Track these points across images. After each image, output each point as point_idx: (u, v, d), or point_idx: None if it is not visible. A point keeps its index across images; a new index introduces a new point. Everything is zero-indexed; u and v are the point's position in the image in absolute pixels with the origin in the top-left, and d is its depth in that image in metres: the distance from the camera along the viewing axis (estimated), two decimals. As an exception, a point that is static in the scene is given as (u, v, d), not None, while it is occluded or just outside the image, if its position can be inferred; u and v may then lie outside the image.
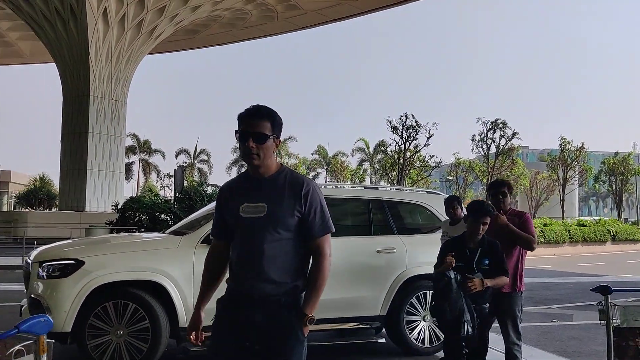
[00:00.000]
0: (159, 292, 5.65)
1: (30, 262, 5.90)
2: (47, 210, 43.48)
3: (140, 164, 62.31)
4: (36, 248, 6.40)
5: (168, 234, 6.72)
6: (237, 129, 2.82)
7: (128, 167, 55.47)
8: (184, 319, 5.63)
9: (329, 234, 2.88)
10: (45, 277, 5.57)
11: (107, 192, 28.60)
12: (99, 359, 5.43)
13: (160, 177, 63.02)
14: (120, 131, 29.26)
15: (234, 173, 60.93)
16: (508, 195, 5.20)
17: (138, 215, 18.98)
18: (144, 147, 61.65)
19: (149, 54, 30.72)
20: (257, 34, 36.35)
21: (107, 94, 28.00)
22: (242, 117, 2.81)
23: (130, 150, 56.64)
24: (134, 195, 31.91)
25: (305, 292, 2.80)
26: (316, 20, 35.77)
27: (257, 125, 2.75)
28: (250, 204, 2.77)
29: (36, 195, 55.47)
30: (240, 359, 2.78)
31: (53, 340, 2.54)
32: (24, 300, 6.06)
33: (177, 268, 5.71)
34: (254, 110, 2.81)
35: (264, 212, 2.73)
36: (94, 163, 28.21)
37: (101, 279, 5.52)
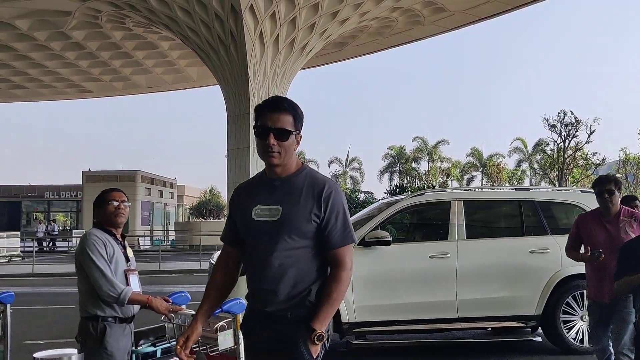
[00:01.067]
0: (323, 290, 6.26)
1: (212, 262, 6.84)
2: (217, 220, 47.28)
3: (296, 175, 65.29)
4: (217, 251, 7.36)
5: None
6: (255, 123, 2.52)
7: (286, 178, 58.36)
8: (345, 314, 6.17)
9: (351, 245, 2.52)
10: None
11: (268, 202, 30.56)
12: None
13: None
14: (278, 144, 31.16)
15: (385, 180, 61.67)
16: (616, 193, 4.82)
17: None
18: (299, 157, 64.60)
19: (300, 69, 32.39)
20: (404, 40, 36.67)
21: (265, 111, 30.01)
22: (261, 110, 2.50)
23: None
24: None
25: (317, 306, 2.40)
26: (464, 21, 35.27)
27: (279, 120, 2.43)
28: (264, 206, 2.45)
29: (206, 207, 60.52)
30: None
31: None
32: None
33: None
34: (274, 103, 2.48)
35: (278, 216, 2.40)
36: (256, 175, 30.35)
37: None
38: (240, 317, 3.02)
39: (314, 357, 2.37)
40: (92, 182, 31.36)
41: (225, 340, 2.96)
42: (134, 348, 3.60)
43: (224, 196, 44.93)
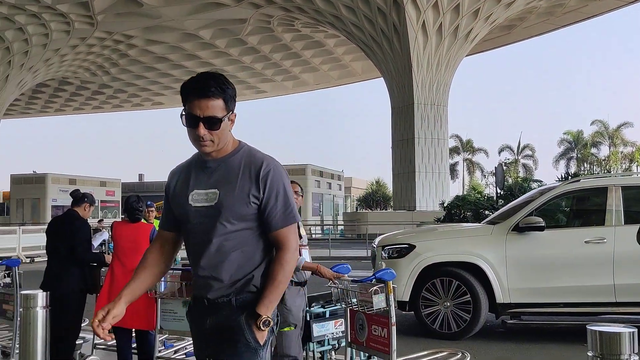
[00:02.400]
0: (477, 272, 6.63)
1: (375, 246, 7.49)
2: (383, 210, 48.29)
3: (464, 164, 64.16)
4: (379, 236, 8.02)
5: (484, 223, 7.65)
6: (183, 109, 2.28)
7: (452, 167, 57.79)
8: (500, 296, 6.49)
9: (294, 225, 2.35)
10: (387, 258, 7.04)
11: (434, 192, 30.69)
12: (431, 324, 6.68)
13: (484, 175, 63.89)
14: (443, 134, 31.13)
15: (561, 167, 58.32)
16: None
17: (463, 212, 20.21)
18: (467, 146, 63.32)
19: (465, 56, 31.98)
20: (577, 18, 34.52)
21: (429, 101, 30.13)
22: (187, 95, 2.26)
23: (454, 151, 58.85)
24: (460, 193, 33.51)
25: (262, 291, 2.28)
26: (647, -8, 32.34)
27: (207, 107, 2.22)
28: (200, 190, 2.31)
29: (373, 198, 61.91)
30: None
31: (393, 286, 3.73)
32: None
33: (491, 252, 6.62)
34: (201, 88, 2.23)
35: (215, 200, 2.27)
36: (421, 166, 30.56)
37: (429, 260, 6.77)
38: (390, 283, 3.60)
39: (261, 343, 2.26)
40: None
41: (378, 302, 3.57)
42: (307, 308, 4.36)
43: (389, 187, 45.81)
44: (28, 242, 20.02)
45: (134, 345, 5.11)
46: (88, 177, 42.68)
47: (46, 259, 5.40)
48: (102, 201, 39.83)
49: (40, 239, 6.14)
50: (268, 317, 2.24)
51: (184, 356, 5.15)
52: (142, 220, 5.32)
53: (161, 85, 43.47)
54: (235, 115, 2.33)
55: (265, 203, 2.27)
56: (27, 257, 18.48)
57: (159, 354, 5.04)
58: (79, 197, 5.32)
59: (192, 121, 2.23)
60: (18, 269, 5.48)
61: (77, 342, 5.54)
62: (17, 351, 4.94)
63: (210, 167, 2.32)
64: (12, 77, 33.23)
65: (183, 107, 2.27)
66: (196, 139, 2.25)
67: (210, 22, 32.02)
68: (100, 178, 43.98)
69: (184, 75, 40.14)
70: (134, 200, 5.19)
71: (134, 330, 5.04)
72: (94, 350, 5.60)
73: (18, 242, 20.22)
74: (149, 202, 7.71)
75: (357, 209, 60.01)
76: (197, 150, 2.34)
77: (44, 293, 4.70)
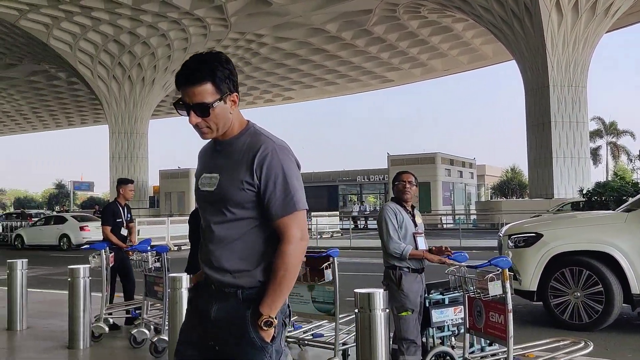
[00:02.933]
0: (609, 261, 6.33)
1: (501, 235, 7.39)
2: (519, 199, 46.41)
3: (608, 148, 59.81)
4: (505, 224, 7.88)
5: (619, 211, 7.25)
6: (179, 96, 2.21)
7: (594, 152, 54.15)
8: (636, 286, 6.16)
9: (299, 213, 2.15)
10: (513, 247, 6.93)
11: (573, 179, 29.03)
12: (560, 315, 6.49)
13: (631, 160, 59.16)
14: (582, 117, 29.29)
15: None
16: None
17: (604, 199, 19.02)
18: (611, 129, 58.94)
19: (605, 32, 29.82)
20: None
21: (565, 82, 28.48)
22: (176, 83, 2.18)
23: (595, 134, 55.11)
24: (603, 179, 31.41)
25: (265, 287, 2.16)
26: None
27: (194, 94, 2.12)
28: (207, 174, 2.25)
29: (508, 186, 59.63)
30: (210, 357, 2.27)
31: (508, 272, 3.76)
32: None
33: (625, 241, 6.29)
34: (185, 72, 2.15)
35: (215, 186, 2.19)
36: (559, 151, 28.99)
37: (557, 249, 6.56)
38: (506, 271, 3.63)
39: (267, 341, 2.14)
40: (396, 166, 33.90)
41: (494, 289, 3.62)
42: (426, 295, 4.50)
43: (526, 174, 43.90)
44: (175, 231, 21.79)
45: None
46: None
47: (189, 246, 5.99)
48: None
49: (186, 228, 6.77)
50: (270, 317, 2.11)
51: (311, 337, 5.48)
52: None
53: (290, 81, 44.94)
54: (236, 95, 2.19)
55: (263, 190, 2.12)
56: (174, 246, 20.10)
57: (289, 334, 5.43)
58: None
59: (182, 109, 2.16)
60: (167, 255, 6.13)
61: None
62: (167, 327, 5.54)
63: (218, 149, 2.25)
64: (157, 80, 36.06)
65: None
66: (194, 128, 2.18)
67: (336, 16, 32.56)
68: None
69: (312, 70, 41.27)
70: None
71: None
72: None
73: (167, 232, 22.10)
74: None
75: (491, 197, 58.16)
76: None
77: (188, 276, 5.24)
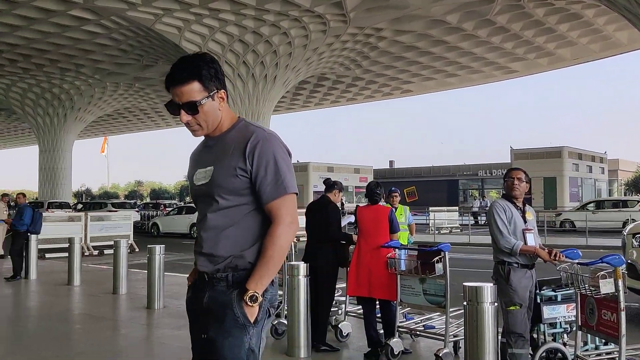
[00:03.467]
0: None
1: (625, 234, 7.08)
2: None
3: None
4: (630, 223, 7.52)
5: None
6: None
7: None
8: None
9: (288, 196, 2.26)
10: (637, 246, 6.63)
11: None
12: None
13: None
14: None
15: None
16: None
17: None
18: None
19: None
20: None
21: None
22: (166, 84, 2.28)
23: None
24: None
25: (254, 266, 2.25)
26: None
27: (182, 93, 2.23)
28: (201, 169, 2.34)
29: (645, 181, 55.31)
30: (198, 350, 2.33)
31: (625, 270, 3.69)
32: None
33: None
34: (172, 73, 2.26)
35: (210, 177, 2.28)
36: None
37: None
38: (619, 269, 3.58)
39: (251, 320, 2.20)
40: (519, 160, 32.72)
41: (606, 287, 3.58)
42: (538, 291, 4.50)
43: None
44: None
45: (379, 315, 5.77)
46: (344, 165, 45.94)
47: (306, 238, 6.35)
48: (356, 187, 42.58)
49: (303, 220, 7.14)
50: (256, 292, 2.18)
51: (423, 328, 5.64)
52: (381, 204, 5.94)
53: (409, 74, 44.62)
54: (224, 92, 2.31)
55: (255, 175, 2.22)
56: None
57: (400, 324, 5.62)
58: (330, 185, 6.17)
59: (173, 109, 2.27)
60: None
61: (332, 309, 6.42)
62: (286, 312, 5.94)
63: (210, 145, 2.36)
64: (278, 78, 37.31)
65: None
66: (185, 126, 2.29)
67: (456, 6, 31.87)
68: (355, 165, 46.99)
69: (431, 62, 40.72)
70: (374, 185, 5.87)
71: (377, 301, 5.69)
72: (346, 316, 6.41)
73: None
74: (392, 188, 8.40)
75: (624, 194, 54.28)
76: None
77: (305, 264, 5.59)
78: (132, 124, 64.82)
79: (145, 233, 28.11)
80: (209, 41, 33.68)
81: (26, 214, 12.29)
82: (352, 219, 6.70)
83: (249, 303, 2.18)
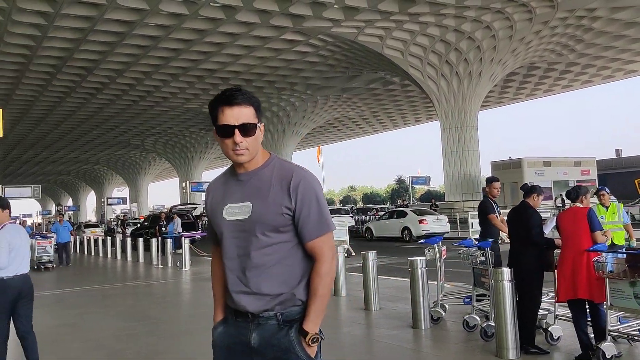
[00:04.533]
0: None
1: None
2: None
3: None
4: None
5: None
6: (214, 121, 2.32)
7: None
8: None
9: (330, 234, 2.29)
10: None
11: None
12: None
13: None
14: None
15: None
16: None
17: None
18: None
19: None
20: None
21: None
22: (216, 106, 2.30)
23: None
24: None
25: (306, 306, 2.28)
26: None
27: (242, 115, 2.28)
28: (234, 204, 2.33)
29: None
30: None
31: None
32: None
33: None
34: (231, 97, 2.29)
35: (249, 213, 2.28)
36: None
37: None
38: None
39: (313, 356, 2.28)
40: None
41: None
42: None
43: None
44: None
45: (590, 319, 5.66)
46: (561, 158, 43.12)
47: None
48: (577, 181, 39.69)
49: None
50: (316, 333, 2.25)
51: (637, 332, 5.40)
52: (578, 205, 5.79)
53: (632, 52, 40.49)
54: (263, 125, 2.37)
55: (299, 213, 2.26)
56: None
57: (613, 328, 5.46)
58: (528, 190, 6.20)
59: (227, 131, 2.27)
60: (489, 250, 6.70)
61: (542, 312, 6.42)
62: (494, 315, 6.12)
63: (243, 180, 2.34)
64: (484, 73, 36.48)
65: (214, 124, 2.33)
66: (232, 149, 2.28)
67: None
68: (574, 158, 43.82)
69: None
70: (575, 187, 5.81)
71: (587, 305, 5.60)
72: (556, 320, 6.36)
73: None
74: (600, 187, 8.01)
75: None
76: (232, 164, 2.41)
77: (509, 269, 5.74)
78: (342, 132, 68.23)
79: (360, 237, 29.51)
80: (411, 45, 34.27)
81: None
82: (553, 223, 6.62)
83: (311, 345, 2.25)
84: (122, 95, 41.28)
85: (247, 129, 2.27)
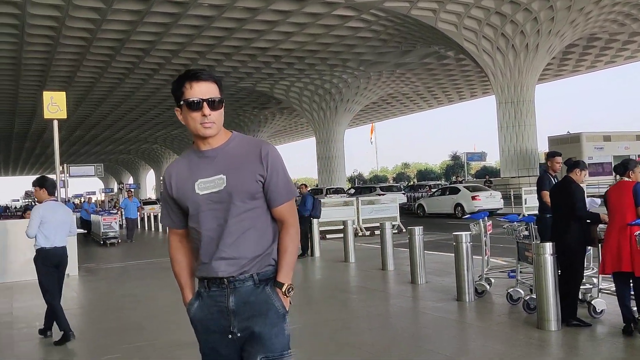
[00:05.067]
0: None
1: None
2: None
3: None
4: None
5: None
6: (181, 97, 2.43)
7: None
8: None
9: (293, 200, 2.51)
10: None
11: None
12: None
13: None
14: None
15: None
16: None
17: None
18: None
19: None
20: None
21: None
22: (184, 82, 2.43)
23: None
24: None
25: (278, 260, 2.46)
26: None
27: (209, 90, 2.42)
28: (205, 179, 2.44)
29: None
30: (232, 353, 2.46)
31: None
32: None
33: None
34: (199, 72, 2.44)
35: (224, 184, 2.41)
36: None
37: None
38: None
39: (287, 308, 2.46)
40: None
41: None
42: None
43: None
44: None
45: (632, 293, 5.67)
46: (622, 132, 41.59)
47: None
48: (639, 156, 38.28)
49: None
50: (290, 284, 2.45)
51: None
52: (626, 179, 5.74)
53: None
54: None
55: (269, 180, 2.43)
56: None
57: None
58: (571, 165, 6.20)
59: (195, 105, 2.39)
60: (533, 224, 6.74)
61: (585, 286, 6.45)
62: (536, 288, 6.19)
63: (210, 156, 2.46)
64: (541, 45, 35.43)
65: (178, 103, 2.46)
66: (200, 122, 2.40)
67: None
68: (636, 132, 42.20)
69: None
70: (623, 161, 5.77)
71: (631, 280, 5.60)
72: (600, 293, 6.38)
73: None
74: (640, 160, 7.87)
75: None
76: (189, 147, 2.59)
77: (551, 243, 5.80)
78: (396, 108, 67.65)
79: (411, 214, 29.52)
80: (465, 18, 33.60)
81: (308, 201, 14.26)
82: (597, 202, 6.62)
83: (287, 295, 2.44)
84: (178, 75, 42.21)
85: (214, 103, 2.42)
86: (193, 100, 2.39)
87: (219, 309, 2.43)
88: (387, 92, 53.39)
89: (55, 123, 12.28)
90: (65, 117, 12.39)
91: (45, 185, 6.61)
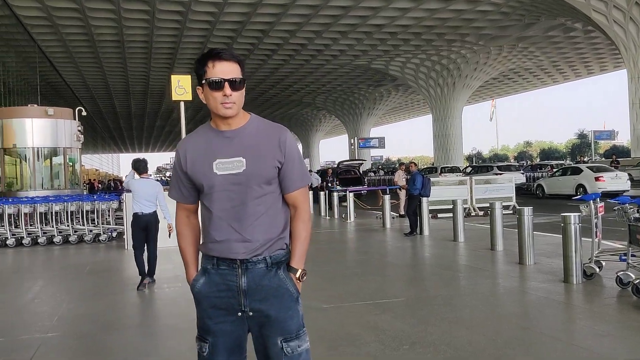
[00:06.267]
0: None
1: None
2: None
3: None
4: None
5: None
6: (202, 76, 2.41)
7: None
8: None
9: (307, 186, 2.56)
10: None
11: None
12: None
13: None
14: None
15: None
16: None
17: None
18: None
19: None
20: None
21: None
22: (207, 61, 2.40)
23: None
24: None
25: (291, 247, 2.51)
26: None
27: (231, 70, 2.40)
28: (224, 159, 2.42)
29: None
30: (238, 329, 2.49)
31: None
32: None
33: None
34: (222, 52, 2.41)
35: (243, 167, 2.40)
36: None
37: None
38: None
39: (299, 292, 2.51)
40: None
41: None
42: None
43: None
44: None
45: None
46: None
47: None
48: None
49: None
50: (303, 269, 2.51)
51: None
52: None
53: None
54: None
55: (285, 166, 2.46)
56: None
57: None
58: None
59: (216, 84, 2.38)
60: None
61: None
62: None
63: (229, 136, 2.45)
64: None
65: (200, 82, 2.46)
66: (221, 102, 2.39)
67: None
68: None
69: None
70: None
71: None
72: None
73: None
74: None
75: None
76: (206, 123, 2.54)
77: None
78: (518, 84, 64.83)
79: (530, 194, 28.49)
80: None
81: (417, 180, 14.33)
82: None
83: (300, 280, 2.50)
84: (294, 55, 43.24)
85: (235, 83, 2.41)
86: (215, 80, 2.39)
87: (227, 287, 2.45)
88: (508, 67, 51.30)
89: (182, 104, 13.26)
90: (191, 99, 13.34)
91: (135, 166, 8.52)
